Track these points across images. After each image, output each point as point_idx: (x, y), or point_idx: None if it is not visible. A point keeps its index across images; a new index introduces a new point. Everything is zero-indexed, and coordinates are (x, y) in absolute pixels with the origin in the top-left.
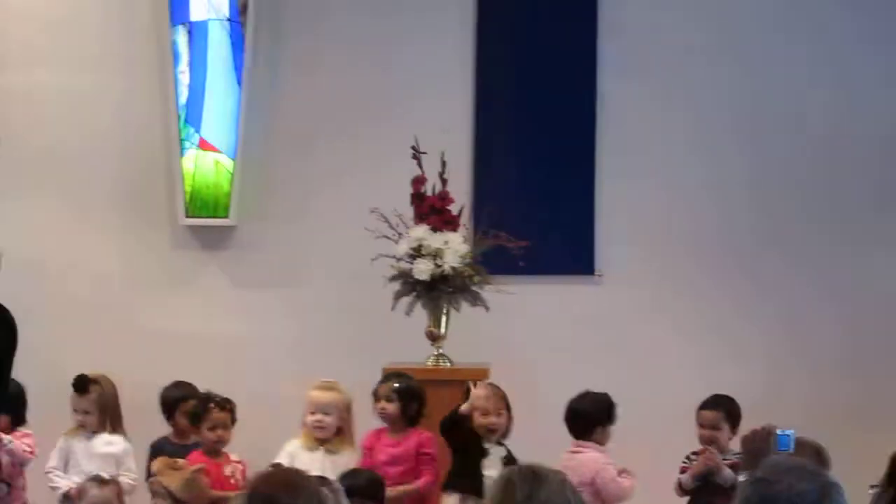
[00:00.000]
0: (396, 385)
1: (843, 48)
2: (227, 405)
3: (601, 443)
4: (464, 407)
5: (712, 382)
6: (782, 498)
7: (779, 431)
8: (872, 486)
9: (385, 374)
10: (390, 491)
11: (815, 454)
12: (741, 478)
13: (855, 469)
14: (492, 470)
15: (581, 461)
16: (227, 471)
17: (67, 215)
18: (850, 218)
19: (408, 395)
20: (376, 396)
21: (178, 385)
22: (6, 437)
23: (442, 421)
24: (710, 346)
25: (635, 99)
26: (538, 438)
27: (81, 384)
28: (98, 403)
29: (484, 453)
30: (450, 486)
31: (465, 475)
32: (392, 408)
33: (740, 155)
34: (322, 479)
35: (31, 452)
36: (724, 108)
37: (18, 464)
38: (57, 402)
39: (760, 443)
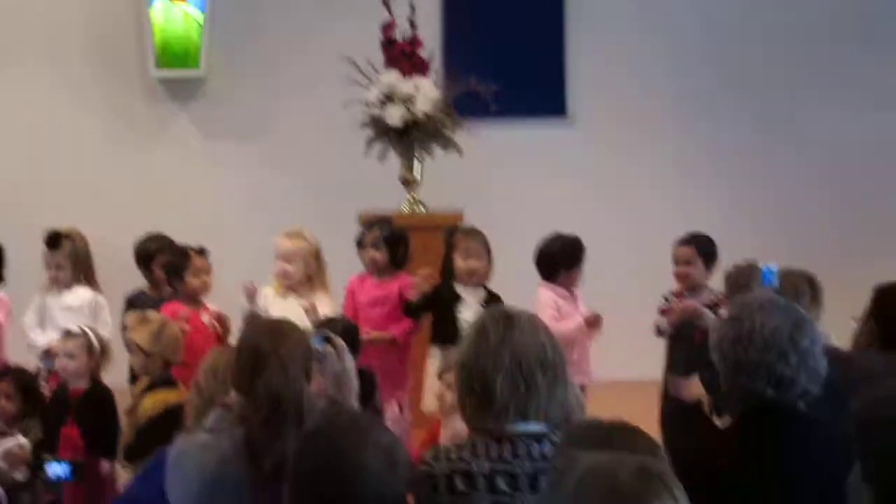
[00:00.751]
0: (382, 233)
1: None
2: (204, 252)
3: (567, 286)
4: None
5: (680, 223)
6: (755, 335)
7: (762, 266)
8: (854, 318)
9: (364, 221)
10: (366, 336)
11: (808, 283)
12: (722, 313)
13: (835, 304)
14: (469, 314)
15: (541, 302)
16: (206, 319)
17: (37, 70)
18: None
19: (394, 241)
20: (362, 245)
21: (153, 238)
22: None
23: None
24: (679, 188)
25: None
26: (511, 282)
27: (53, 239)
28: (70, 258)
29: (457, 298)
30: (433, 338)
31: (444, 324)
32: (380, 255)
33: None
34: (328, 337)
35: (1, 325)
36: None
37: None
38: (32, 259)
39: (744, 279)
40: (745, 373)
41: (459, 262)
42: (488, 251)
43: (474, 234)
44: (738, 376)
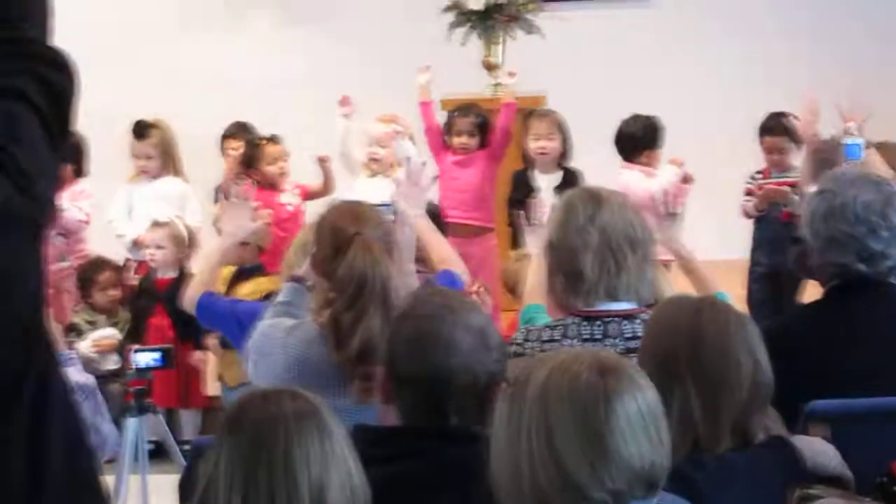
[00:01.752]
0: (476, 119)
1: None
2: (276, 139)
3: (648, 165)
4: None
5: (762, 102)
6: (847, 208)
7: (847, 140)
8: None
9: (447, 106)
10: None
11: None
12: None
13: None
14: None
15: (623, 182)
16: (283, 199)
17: None
18: None
19: (484, 129)
20: (454, 131)
21: (239, 126)
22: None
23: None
24: (759, 71)
25: None
26: (595, 163)
27: (141, 129)
28: (159, 147)
29: (530, 190)
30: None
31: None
32: (474, 142)
33: None
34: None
35: (86, 221)
36: None
37: (73, 231)
38: (114, 150)
39: (829, 153)
40: (835, 246)
41: (531, 144)
42: (562, 131)
43: (544, 115)
44: (829, 250)
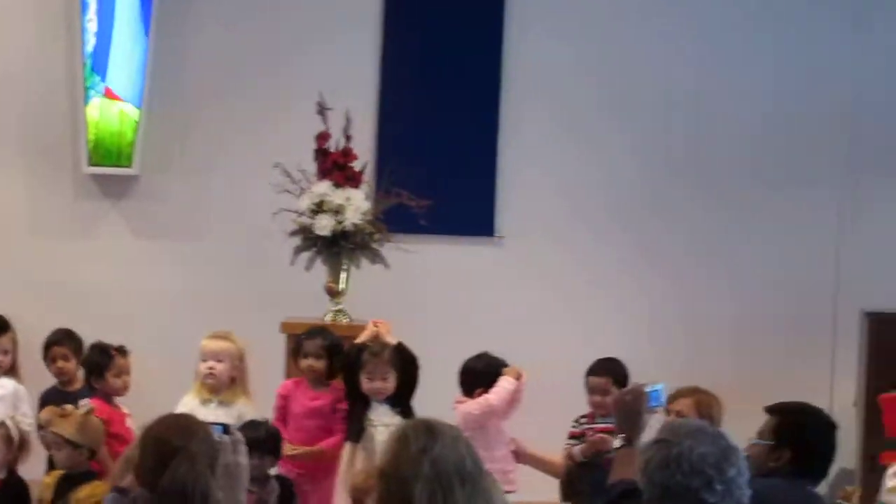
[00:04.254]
0: (325, 341)
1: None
2: (125, 352)
3: None
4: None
5: (601, 347)
6: (683, 459)
7: (648, 388)
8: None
9: (310, 328)
10: (295, 449)
11: (716, 400)
12: (616, 442)
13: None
14: (381, 416)
15: (459, 412)
16: (126, 410)
17: None
18: (733, 195)
19: (333, 351)
20: (303, 353)
21: (62, 332)
22: None
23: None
24: (601, 310)
25: (542, 63)
26: (433, 395)
27: (3, 324)
28: (13, 343)
29: (369, 402)
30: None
31: (353, 421)
32: (320, 365)
33: (637, 131)
34: (225, 428)
35: None
36: (632, 76)
37: None
38: None
39: (633, 403)
40: (670, 497)
41: (365, 384)
42: (397, 367)
43: (377, 353)
44: (664, 500)
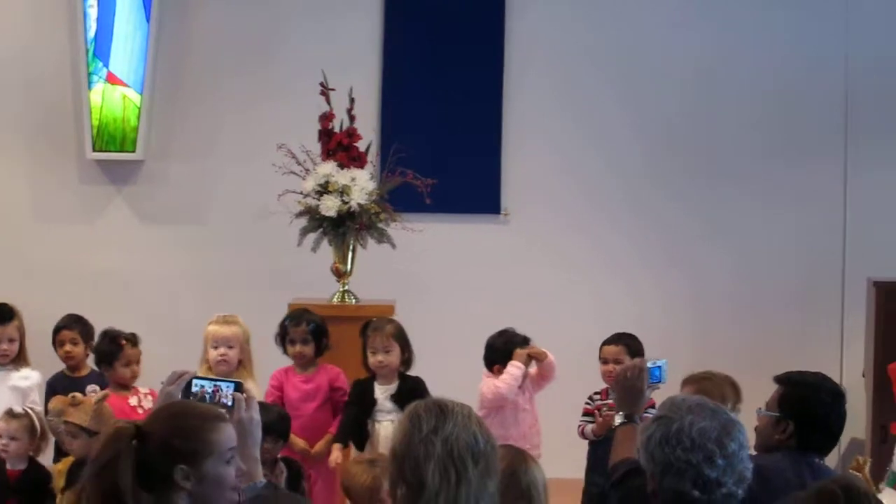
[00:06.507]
0: (310, 326)
1: None
2: (136, 340)
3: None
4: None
5: (611, 322)
6: (684, 435)
7: (649, 364)
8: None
9: (291, 312)
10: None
11: (730, 385)
12: (618, 419)
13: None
14: (383, 414)
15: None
16: (133, 401)
17: None
18: (735, 167)
19: (319, 334)
20: (290, 340)
21: (74, 318)
22: None
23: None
24: (609, 286)
25: (546, 40)
26: (442, 373)
27: (8, 312)
28: (20, 331)
29: (373, 403)
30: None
31: (354, 427)
32: (309, 350)
33: (642, 103)
34: (237, 385)
35: None
36: (635, 52)
37: None
38: None
39: (633, 379)
40: (671, 472)
41: (370, 358)
42: (400, 341)
43: (382, 327)
44: (666, 476)
